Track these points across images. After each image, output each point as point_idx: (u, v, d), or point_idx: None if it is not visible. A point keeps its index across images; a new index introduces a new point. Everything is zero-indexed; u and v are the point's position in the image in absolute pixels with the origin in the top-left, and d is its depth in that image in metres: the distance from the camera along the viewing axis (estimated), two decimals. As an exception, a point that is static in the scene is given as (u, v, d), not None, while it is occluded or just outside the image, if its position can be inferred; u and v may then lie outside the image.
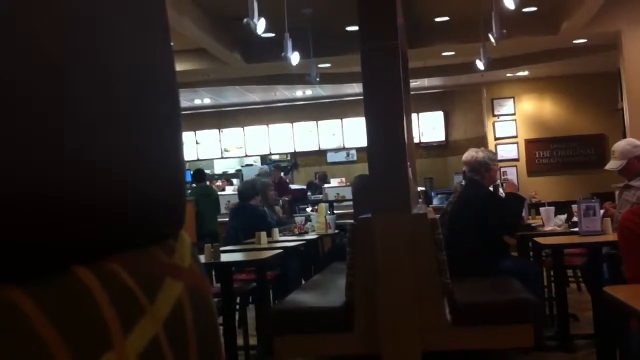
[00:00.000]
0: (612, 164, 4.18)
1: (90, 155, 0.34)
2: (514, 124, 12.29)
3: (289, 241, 5.77)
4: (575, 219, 4.67)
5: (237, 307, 5.02)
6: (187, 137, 13.19)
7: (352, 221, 6.15)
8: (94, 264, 0.35)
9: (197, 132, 13.36)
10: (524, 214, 5.10)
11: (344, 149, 13.30)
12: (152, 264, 0.39)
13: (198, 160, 13.30)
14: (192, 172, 9.42)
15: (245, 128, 13.40)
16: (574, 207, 4.70)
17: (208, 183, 10.16)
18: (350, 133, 12.97)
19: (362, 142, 3.33)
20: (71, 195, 0.34)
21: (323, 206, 6.88)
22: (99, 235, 0.36)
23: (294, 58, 7.25)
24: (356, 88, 11.30)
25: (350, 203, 7.56)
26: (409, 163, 3.61)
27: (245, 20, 5.73)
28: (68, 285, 0.33)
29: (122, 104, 0.37)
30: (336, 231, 6.70)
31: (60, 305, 0.32)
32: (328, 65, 9.62)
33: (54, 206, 0.33)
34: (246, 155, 13.67)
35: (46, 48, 0.32)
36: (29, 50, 0.31)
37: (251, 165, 13.50)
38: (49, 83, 0.32)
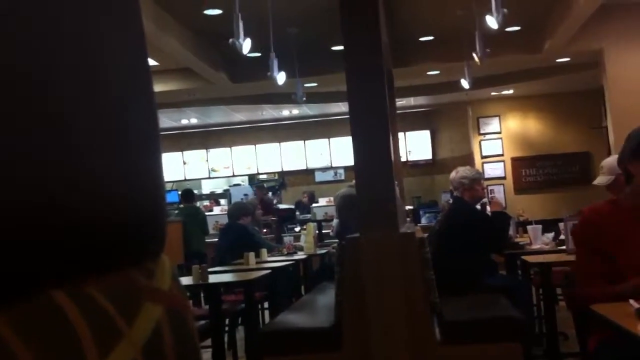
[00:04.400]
0: (600, 179, 4.22)
1: (66, 177, 0.34)
2: (499, 142, 12.38)
3: (278, 261, 5.74)
4: (562, 236, 4.69)
5: (226, 328, 4.98)
6: (174, 157, 13.16)
7: (337, 239, 6.14)
8: (71, 287, 0.34)
9: (184, 152, 13.34)
10: (511, 232, 5.11)
11: (331, 168, 13.32)
12: (130, 287, 0.38)
13: (185, 180, 13.26)
14: (180, 193, 9.38)
15: (233, 148, 13.40)
16: (561, 225, 4.71)
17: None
18: (337, 152, 13.00)
19: (350, 161, 3.32)
20: (47, 217, 0.33)
21: (311, 226, 6.87)
22: (76, 258, 0.35)
23: (280, 77, 7.28)
24: (343, 107, 11.34)
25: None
26: (396, 182, 3.62)
27: (231, 40, 5.75)
28: (45, 310, 0.32)
29: (97, 122, 0.36)
30: (325, 249, 6.69)
31: (37, 330, 0.32)
32: (314, 84, 9.67)
33: (31, 229, 0.32)
34: (233, 175, 13.65)
35: (24, 64, 0.32)
36: (9, 66, 0.31)
37: (239, 185, 13.48)
38: (22, 98, 0.32)
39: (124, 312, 0.36)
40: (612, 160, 4.32)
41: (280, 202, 12.42)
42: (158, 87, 8.51)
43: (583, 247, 2.42)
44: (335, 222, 6.77)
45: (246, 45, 5.92)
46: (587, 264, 2.36)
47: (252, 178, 13.87)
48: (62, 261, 0.34)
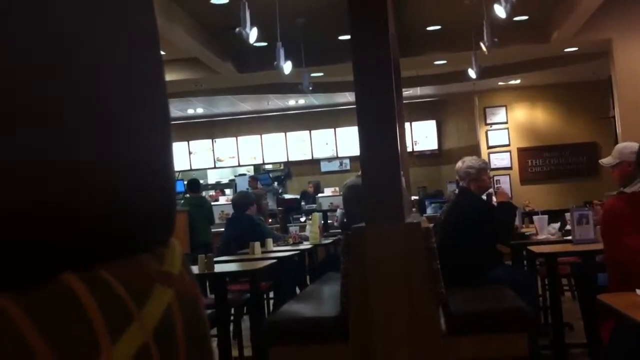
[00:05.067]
0: (607, 160, 4.28)
1: (79, 162, 0.34)
2: (506, 132, 12.34)
3: (283, 251, 5.76)
4: (568, 227, 4.68)
5: (232, 318, 4.99)
6: (180, 147, 13.18)
7: (340, 230, 6.14)
8: (83, 271, 0.34)
9: (190, 142, 13.36)
10: (517, 223, 5.10)
11: (337, 158, 13.31)
12: (141, 271, 0.39)
13: (191, 170, 13.29)
14: (186, 182, 9.39)
15: (239, 138, 13.41)
16: (567, 215, 4.71)
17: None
18: (343, 142, 13.00)
19: (356, 151, 3.32)
20: (61, 202, 0.33)
21: (317, 216, 6.88)
22: (88, 242, 0.35)
23: (287, 67, 7.27)
24: (349, 97, 11.33)
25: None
26: (402, 172, 3.61)
27: (237, 29, 5.74)
28: (56, 292, 0.33)
29: (111, 110, 0.37)
30: (331, 239, 6.70)
31: (48, 312, 0.32)
32: (321, 74, 9.65)
33: (44, 213, 0.33)
34: (239, 165, 13.67)
35: (34, 56, 0.32)
36: (16, 60, 0.31)
37: (244, 175, 13.51)
38: (36, 88, 0.32)
39: (135, 295, 0.37)
40: (624, 145, 4.40)
41: (285, 192, 12.43)
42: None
43: (631, 226, 2.40)
44: (339, 212, 6.74)
45: (253, 35, 5.91)
46: None
47: (258, 168, 13.88)
48: (74, 245, 0.34)
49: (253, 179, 11.64)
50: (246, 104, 12.44)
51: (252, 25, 5.81)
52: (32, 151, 0.32)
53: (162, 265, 0.40)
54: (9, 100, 0.31)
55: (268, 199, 8.27)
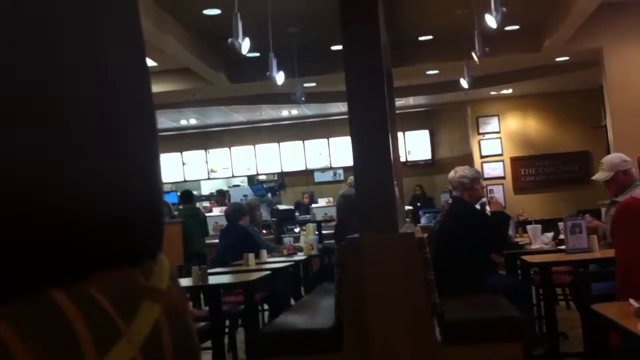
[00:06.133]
0: (599, 175, 4.29)
1: (66, 177, 0.34)
2: (499, 142, 12.37)
3: (277, 262, 5.74)
4: (562, 236, 4.69)
5: (227, 330, 4.97)
6: (174, 157, 13.15)
7: (333, 241, 6.11)
8: (70, 286, 0.34)
9: (183, 152, 13.34)
10: (510, 232, 5.11)
11: (331, 168, 13.31)
12: (129, 286, 0.38)
13: (185, 181, 13.26)
14: (179, 194, 9.37)
15: (232, 148, 13.39)
16: (561, 224, 4.72)
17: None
18: (337, 152, 13.00)
19: (349, 161, 3.32)
20: (48, 216, 0.33)
21: (311, 226, 6.87)
22: (75, 257, 0.35)
23: (279, 77, 7.27)
24: (342, 107, 11.34)
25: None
26: (395, 182, 3.61)
27: (230, 40, 5.74)
28: (43, 309, 0.33)
29: (96, 124, 0.36)
30: (318, 253, 6.68)
31: (35, 329, 0.32)
32: (313, 84, 9.67)
33: (30, 227, 0.32)
34: (233, 176, 13.65)
35: (27, 66, 0.32)
36: (13, 67, 0.31)
37: (238, 185, 13.49)
38: (25, 100, 0.32)
39: (122, 311, 0.36)
40: (612, 157, 4.40)
41: (279, 203, 12.41)
42: (157, 88, 8.50)
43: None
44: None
45: (245, 45, 5.92)
46: None
47: (252, 179, 13.86)
48: (61, 260, 0.34)
49: (220, 194, 11.64)
50: (239, 115, 12.44)
51: (244, 35, 5.81)
52: (32, 153, 0.31)
53: (149, 281, 0.40)
54: (8, 99, 0.31)
55: (262, 209, 8.25)
